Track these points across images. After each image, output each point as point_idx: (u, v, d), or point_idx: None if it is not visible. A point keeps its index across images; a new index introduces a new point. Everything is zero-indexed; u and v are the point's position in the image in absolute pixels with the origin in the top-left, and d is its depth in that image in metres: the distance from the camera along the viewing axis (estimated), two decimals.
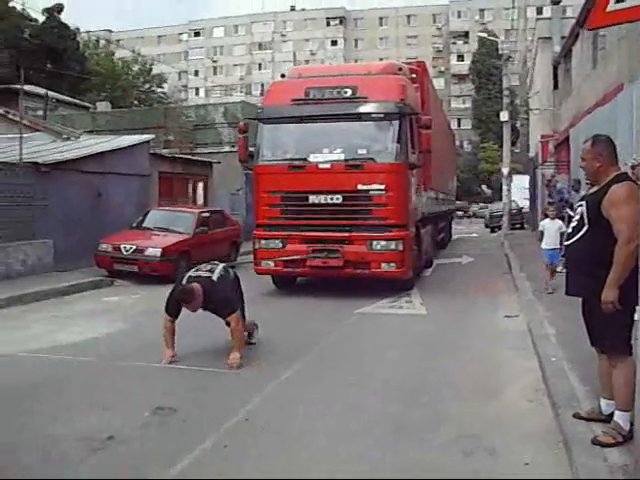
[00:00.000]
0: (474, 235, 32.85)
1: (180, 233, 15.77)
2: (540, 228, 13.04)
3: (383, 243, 12.08)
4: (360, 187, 12.05)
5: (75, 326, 10.02)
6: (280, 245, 12.62)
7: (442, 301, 12.07)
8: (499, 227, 34.44)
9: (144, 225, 16.34)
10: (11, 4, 39.86)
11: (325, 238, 12.34)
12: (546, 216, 13.03)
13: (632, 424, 4.59)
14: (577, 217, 4.98)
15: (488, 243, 27.04)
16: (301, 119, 12.65)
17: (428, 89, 16.51)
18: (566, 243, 5.11)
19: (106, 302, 12.54)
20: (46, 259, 15.31)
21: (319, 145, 12.53)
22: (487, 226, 39.74)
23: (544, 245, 12.41)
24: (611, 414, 4.85)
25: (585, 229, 4.84)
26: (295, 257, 12.44)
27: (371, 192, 12.05)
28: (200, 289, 7.32)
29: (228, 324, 7.63)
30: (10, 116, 22.26)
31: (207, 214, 17.30)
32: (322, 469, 4.66)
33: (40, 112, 29.29)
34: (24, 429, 5.43)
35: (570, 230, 5.06)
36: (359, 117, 12.36)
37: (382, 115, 12.21)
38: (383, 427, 5.48)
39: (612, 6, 3.36)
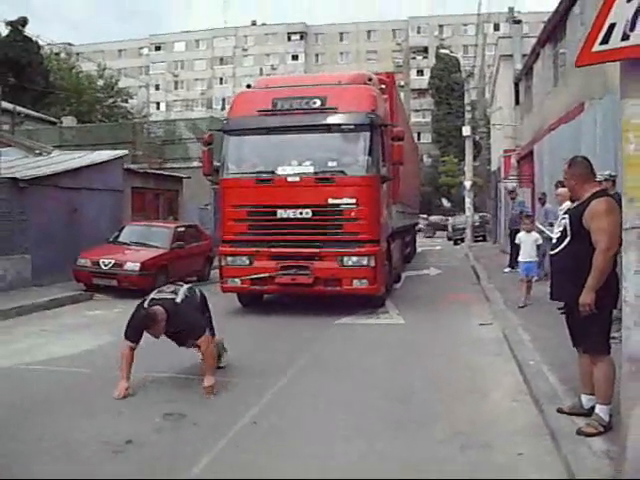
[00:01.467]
0: (438, 247, 33.45)
1: (157, 247, 16.02)
2: (517, 241, 12.94)
3: (355, 259, 11.74)
4: (330, 201, 11.69)
5: (64, 339, 10.26)
6: (247, 262, 12.19)
7: (417, 311, 12.49)
8: (462, 239, 35.15)
9: (120, 240, 16.53)
10: None
11: (294, 254, 11.92)
12: (517, 231, 13.30)
13: (611, 416, 5.11)
14: (560, 229, 5.50)
15: (453, 255, 27.60)
16: (268, 130, 12.25)
17: (397, 101, 16.34)
18: (551, 253, 5.64)
19: (89, 316, 12.75)
20: (24, 274, 15.44)
21: (287, 157, 12.17)
22: (450, 238, 40.45)
23: (520, 258, 12.44)
24: (591, 408, 5.37)
25: (568, 240, 5.36)
26: (263, 275, 12.00)
27: (342, 206, 11.68)
28: (164, 313, 6.88)
29: (195, 346, 7.27)
30: None
31: (182, 229, 17.58)
32: (333, 464, 5.07)
33: (5, 127, 29.25)
34: (42, 437, 5.71)
35: (554, 241, 5.58)
36: (329, 128, 12.05)
37: (353, 126, 11.88)
38: (382, 426, 5.92)
39: (596, 47, 3.91)
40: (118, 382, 6.95)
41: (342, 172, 11.86)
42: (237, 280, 12.27)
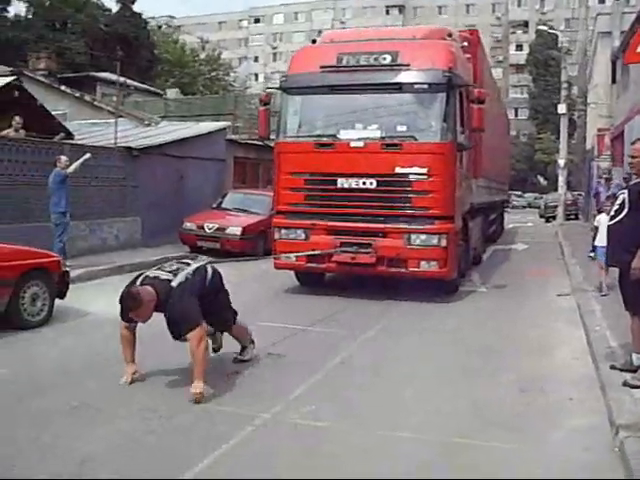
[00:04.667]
0: (529, 224, 33.54)
1: (257, 214, 17.16)
2: (595, 223, 12.08)
3: (423, 237, 10.45)
4: (398, 170, 10.44)
5: None
6: (303, 236, 11.09)
7: (500, 281, 13.14)
8: (554, 217, 35.08)
9: (223, 206, 17.84)
10: None
11: (355, 229, 10.75)
12: (600, 211, 12.58)
13: None
14: (619, 202, 6.22)
15: (542, 232, 27.85)
16: (331, 89, 11.04)
17: (482, 61, 14.50)
18: (609, 223, 6.38)
19: None
20: (135, 235, 16.93)
21: (351, 120, 10.95)
22: (542, 216, 40.33)
23: (598, 242, 11.05)
24: None
25: (625, 212, 6.10)
26: (318, 252, 10.83)
27: (411, 176, 10.43)
28: (152, 294, 5.97)
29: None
30: (96, 103, 24.01)
31: None
32: (412, 400, 6.01)
33: (114, 98, 31.05)
34: (158, 363, 6.79)
35: (612, 213, 6.31)
36: (399, 87, 10.68)
37: (427, 85, 10.53)
38: (457, 373, 6.86)
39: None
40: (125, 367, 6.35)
41: (413, 138, 10.59)
42: (291, 256, 11.17)
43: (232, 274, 8.39)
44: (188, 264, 6.43)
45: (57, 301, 8.99)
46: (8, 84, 15.91)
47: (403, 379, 6.57)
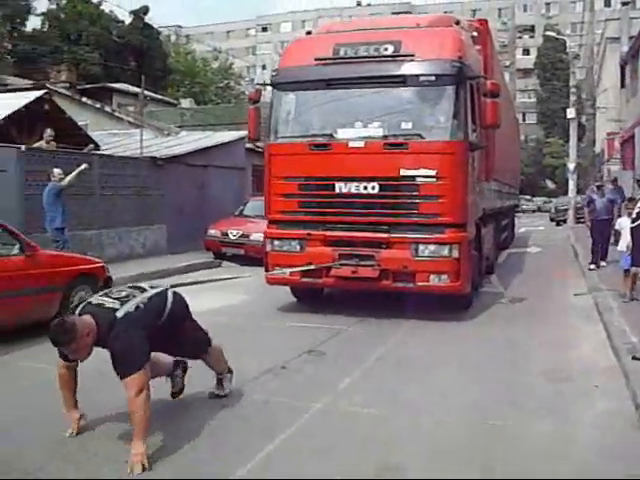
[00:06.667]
0: (540, 228, 33.91)
1: None
2: (617, 227, 11.71)
3: (433, 248, 9.39)
4: (403, 173, 9.40)
5: (206, 297, 11.64)
6: (298, 248, 10.07)
7: (517, 282, 13.60)
8: (564, 221, 35.43)
9: (245, 213, 18.35)
10: (101, 7, 42.97)
11: (356, 240, 9.75)
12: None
13: None
14: None
15: (554, 235, 28.25)
16: (327, 83, 9.98)
17: (492, 53, 13.36)
18: (632, 225, 6.86)
19: (222, 279, 14.47)
20: (161, 242, 17.52)
21: (350, 117, 9.92)
22: (552, 219, 40.72)
23: (621, 247, 10.53)
24: None
25: None
26: (312, 267, 9.87)
27: (418, 179, 9.36)
28: (91, 325, 4.89)
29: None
30: (116, 114, 24.64)
31: None
32: (444, 388, 6.50)
33: (131, 108, 31.68)
34: None
35: (635, 215, 6.79)
36: (403, 80, 9.67)
37: (434, 77, 9.46)
38: (487, 364, 7.38)
39: None
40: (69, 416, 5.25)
41: (419, 136, 9.52)
42: (285, 270, 10.17)
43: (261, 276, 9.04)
44: (143, 290, 5.34)
45: None
46: (39, 98, 16.49)
47: (437, 371, 7.08)
